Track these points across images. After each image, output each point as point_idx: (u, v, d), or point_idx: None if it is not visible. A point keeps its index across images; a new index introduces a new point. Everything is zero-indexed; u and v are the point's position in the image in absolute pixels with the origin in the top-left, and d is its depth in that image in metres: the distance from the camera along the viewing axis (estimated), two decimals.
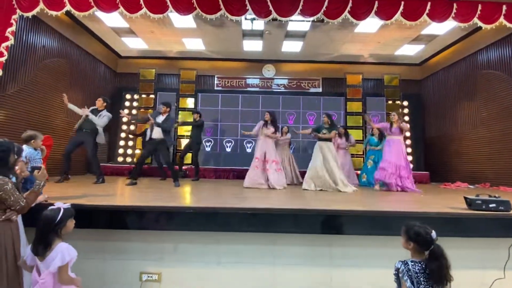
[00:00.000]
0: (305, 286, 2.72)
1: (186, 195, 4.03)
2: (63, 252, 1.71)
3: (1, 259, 1.87)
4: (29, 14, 4.86)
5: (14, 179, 2.24)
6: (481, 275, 2.71)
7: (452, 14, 4.81)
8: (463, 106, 7.56)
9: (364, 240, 2.76)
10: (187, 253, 2.76)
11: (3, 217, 1.93)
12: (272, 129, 5.30)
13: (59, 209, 1.78)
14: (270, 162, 5.16)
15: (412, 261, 1.67)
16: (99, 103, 5.20)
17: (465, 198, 3.04)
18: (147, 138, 5.03)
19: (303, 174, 6.36)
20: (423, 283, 1.59)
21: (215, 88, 9.16)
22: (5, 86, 5.17)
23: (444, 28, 6.76)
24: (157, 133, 4.91)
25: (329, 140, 5.23)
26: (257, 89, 9.19)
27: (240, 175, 8.03)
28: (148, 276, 2.68)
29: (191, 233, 2.75)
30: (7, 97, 5.24)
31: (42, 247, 1.69)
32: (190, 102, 8.94)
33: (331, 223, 2.69)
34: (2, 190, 1.88)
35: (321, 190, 4.90)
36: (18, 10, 4.84)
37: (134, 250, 2.76)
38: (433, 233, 1.64)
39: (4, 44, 4.76)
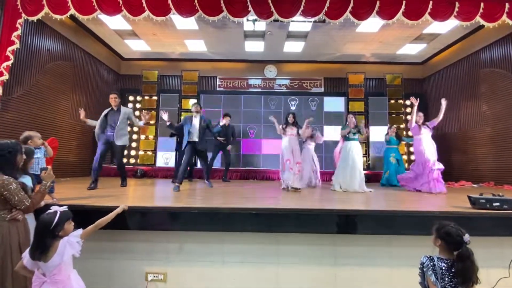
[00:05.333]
0: (309, 285, 2.74)
1: (191, 195, 4.06)
2: (69, 241, 1.77)
3: (6, 259, 1.89)
4: (34, 18, 4.92)
5: (28, 179, 2.27)
6: (486, 274, 2.69)
7: (454, 13, 4.80)
8: (467, 104, 7.53)
9: (368, 239, 2.77)
10: (192, 253, 2.79)
11: (9, 216, 1.96)
12: (295, 130, 5.25)
13: (55, 212, 1.77)
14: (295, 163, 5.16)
15: (438, 258, 1.69)
16: (117, 101, 4.67)
17: (469, 197, 3.03)
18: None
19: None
20: (446, 279, 1.61)
21: (217, 89, 9.20)
22: (11, 89, 5.24)
23: (446, 27, 6.74)
24: (195, 136, 4.91)
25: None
26: (259, 89, 9.22)
27: (243, 175, 8.10)
28: (154, 276, 2.71)
29: (196, 233, 2.78)
30: (13, 100, 5.31)
31: (39, 251, 1.68)
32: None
33: (335, 223, 2.71)
34: (7, 189, 1.91)
35: (346, 191, 4.87)
36: (23, 14, 4.90)
37: (140, 250, 2.79)
38: (466, 236, 1.65)
39: (10, 48, 4.82)
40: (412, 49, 8.20)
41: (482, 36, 6.88)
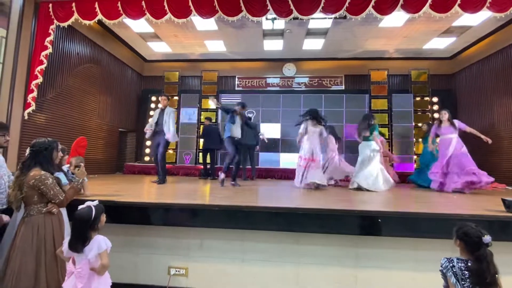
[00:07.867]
0: (329, 286, 2.70)
1: (212, 193, 4.13)
2: (100, 242, 1.85)
3: (40, 250, 2.02)
4: (65, 24, 5.23)
5: (62, 175, 2.43)
6: None
7: (487, 4, 4.49)
8: (500, 101, 7.05)
9: (392, 241, 2.68)
10: (213, 249, 2.84)
11: (44, 209, 2.11)
12: (318, 128, 5.23)
13: (90, 207, 1.89)
14: (314, 159, 5.13)
15: (458, 259, 1.67)
16: (165, 101, 5.18)
17: (503, 200, 2.85)
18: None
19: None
20: (467, 280, 1.60)
21: (236, 88, 9.27)
22: (45, 91, 5.61)
23: (478, 19, 6.35)
24: (238, 133, 5.17)
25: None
26: (277, 88, 9.18)
27: (262, 174, 8.11)
28: (176, 271, 2.80)
29: (216, 230, 2.83)
30: (46, 102, 5.67)
31: (81, 243, 1.80)
32: (212, 103, 9.10)
33: (356, 224, 2.65)
34: (43, 184, 2.06)
35: (367, 190, 4.81)
36: (55, 21, 5.23)
37: (163, 245, 2.89)
38: (486, 238, 1.62)
39: (43, 53, 5.16)
40: (440, 43, 7.79)
41: None
